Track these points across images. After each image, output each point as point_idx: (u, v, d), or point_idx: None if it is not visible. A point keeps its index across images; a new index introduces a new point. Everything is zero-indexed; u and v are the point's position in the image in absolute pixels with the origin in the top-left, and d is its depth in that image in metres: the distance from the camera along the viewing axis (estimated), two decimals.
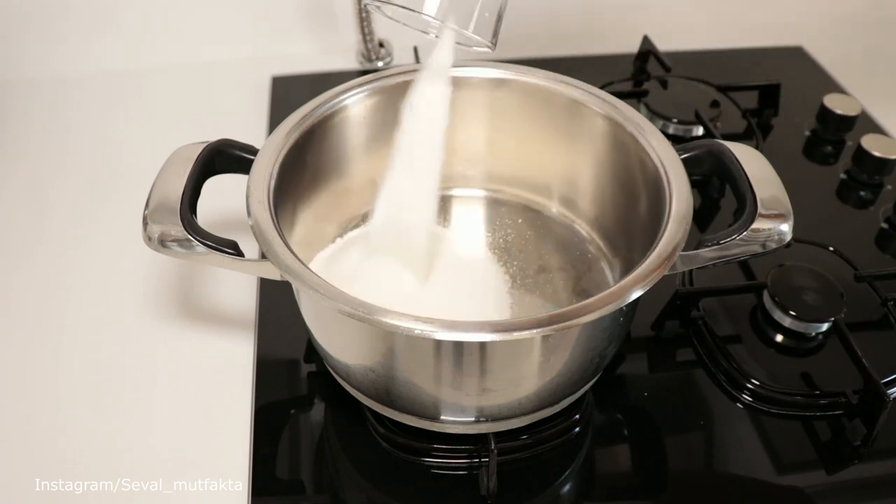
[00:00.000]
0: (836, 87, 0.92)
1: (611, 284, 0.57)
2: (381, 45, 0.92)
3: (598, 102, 0.60)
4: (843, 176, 0.80)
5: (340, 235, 0.63)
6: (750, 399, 0.59)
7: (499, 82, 0.62)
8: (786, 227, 0.50)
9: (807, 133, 0.85)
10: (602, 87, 0.62)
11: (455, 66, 0.61)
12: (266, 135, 0.81)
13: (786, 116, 0.87)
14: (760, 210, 0.50)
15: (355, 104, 0.60)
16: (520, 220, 0.66)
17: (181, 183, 0.50)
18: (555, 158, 0.64)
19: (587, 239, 0.64)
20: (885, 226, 0.74)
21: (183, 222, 0.48)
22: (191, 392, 0.59)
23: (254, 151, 0.55)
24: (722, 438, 0.57)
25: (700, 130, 0.82)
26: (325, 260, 0.60)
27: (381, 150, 0.63)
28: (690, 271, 0.66)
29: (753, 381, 0.59)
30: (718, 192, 0.76)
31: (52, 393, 0.59)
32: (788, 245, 0.56)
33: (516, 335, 0.43)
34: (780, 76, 0.88)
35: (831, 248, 0.68)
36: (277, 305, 0.63)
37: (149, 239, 0.49)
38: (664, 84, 0.87)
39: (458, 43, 0.51)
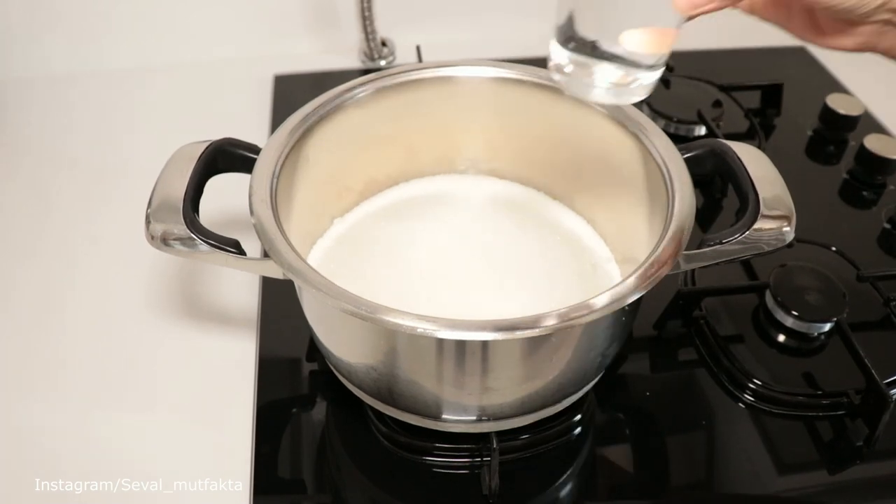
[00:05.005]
0: (838, 87, 0.92)
1: (613, 284, 0.57)
2: (383, 43, 0.92)
3: None
4: (845, 176, 0.79)
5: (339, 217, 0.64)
6: (752, 399, 0.59)
7: (502, 81, 0.62)
8: (788, 227, 0.50)
9: (809, 133, 0.85)
10: None
11: (456, 64, 0.61)
12: (268, 134, 0.81)
13: (788, 116, 0.87)
14: (763, 210, 0.50)
15: (358, 103, 0.60)
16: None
17: (184, 182, 0.50)
18: (557, 158, 0.64)
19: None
20: (887, 226, 0.74)
21: (185, 221, 0.48)
22: (192, 391, 0.59)
23: (256, 150, 0.55)
24: (724, 438, 0.57)
25: (702, 130, 0.82)
26: (325, 249, 0.61)
27: (383, 149, 0.64)
28: (692, 271, 0.66)
29: (755, 380, 0.59)
30: (721, 191, 0.76)
31: (52, 392, 0.59)
32: (791, 245, 0.56)
33: (518, 334, 0.43)
34: (782, 76, 0.88)
35: (833, 248, 0.68)
36: (279, 304, 0.63)
37: (151, 238, 0.49)
38: (667, 84, 0.87)
39: None
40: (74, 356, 0.61)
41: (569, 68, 0.47)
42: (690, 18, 0.42)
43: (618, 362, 0.61)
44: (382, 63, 0.93)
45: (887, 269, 0.67)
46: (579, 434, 0.56)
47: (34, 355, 0.62)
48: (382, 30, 0.91)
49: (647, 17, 0.45)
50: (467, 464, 0.54)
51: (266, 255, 0.47)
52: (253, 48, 0.94)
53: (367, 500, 0.54)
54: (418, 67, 0.61)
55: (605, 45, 0.45)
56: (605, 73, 0.46)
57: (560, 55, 0.47)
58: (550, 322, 0.43)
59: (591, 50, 0.45)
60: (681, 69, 0.87)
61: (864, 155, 0.78)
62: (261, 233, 0.48)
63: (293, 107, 0.58)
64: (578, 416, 0.56)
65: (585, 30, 0.45)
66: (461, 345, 0.45)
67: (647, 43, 0.44)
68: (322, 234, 0.62)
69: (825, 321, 0.61)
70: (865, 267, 0.66)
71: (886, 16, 0.39)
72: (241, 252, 0.50)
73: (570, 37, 0.46)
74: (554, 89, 0.61)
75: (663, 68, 0.47)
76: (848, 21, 0.40)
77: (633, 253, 0.58)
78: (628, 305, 0.45)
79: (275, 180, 0.52)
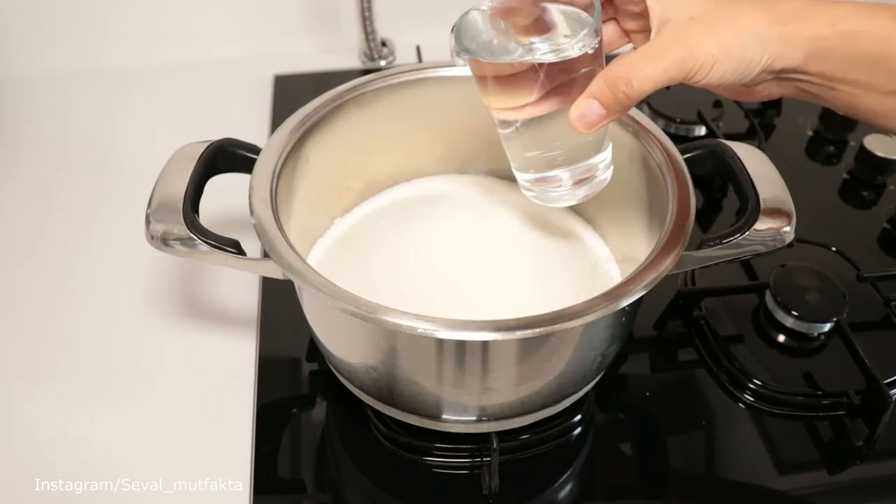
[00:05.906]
0: None
1: (613, 284, 0.57)
2: (383, 44, 0.92)
3: None
4: (845, 176, 0.79)
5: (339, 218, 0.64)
6: (752, 399, 0.59)
7: None
8: (788, 227, 0.50)
9: (809, 133, 0.85)
10: None
11: (456, 64, 0.61)
12: (268, 134, 0.81)
13: (788, 116, 0.87)
14: (763, 210, 0.50)
15: (358, 103, 0.60)
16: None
17: (184, 182, 0.50)
18: None
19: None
20: (887, 226, 0.74)
21: (185, 221, 0.48)
22: (192, 391, 0.59)
23: (256, 150, 0.55)
24: (724, 438, 0.57)
25: (703, 130, 0.82)
26: (325, 249, 0.61)
27: (383, 149, 0.64)
28: (692, 271, 0.66)
29: (755, 381, 0.59)
30: (721, 191, 0.76)
31: (52, 392, 0.59)
32: (791, 245, 0.56)
33: (518, 334, 0.43)
34: None
35: (834, 249, 0.68)
36: (279, 304, 0.63)
37: (151, 238, 0.49)
38: None
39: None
40: (74, 356, 0.61)
41: (535, 187, 0.52)
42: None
43: (618, 362, 0.61)
44: (382, 63, 0.93)
45: (887, 269, 0.67)
46: (579, 434, 0.56)
47: (34, 355, 0.62)
48: (382, 30, 0.91)
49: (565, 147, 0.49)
50: (467, 464, 0.54)
51: (266, 255, 0.47)
52: (253, 48, 0.94)
53: (367, 500, 0.54)
54: (418, 67, 0.61)
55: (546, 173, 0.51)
56: (564, 179, 0.51)
57: (522, 178, 0.52)
58: (550, 322, 0.43)
59: (543, 168, 0.51)
60: None
61: (864, 155, 0.78)
62: (261, 233, 0.48)
63: (293, 107, 0.58)
64: (578, 416, 0.56)
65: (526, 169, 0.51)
66: (461, 345, 0.45)
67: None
68: (322, 234, 0.62)
69: (825, 321, 0.61)
70: (865, 267, 0.66)
71: (770, 76, 0.45)
72: (241, 252, 0.50)
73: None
74: None
75: (610, 144, 0.50)
76: (745, 84, 0.46)
77: (633, 253, 0.58)
78: (628, 306, 0.45)
79: (275, 180, 0.52)
